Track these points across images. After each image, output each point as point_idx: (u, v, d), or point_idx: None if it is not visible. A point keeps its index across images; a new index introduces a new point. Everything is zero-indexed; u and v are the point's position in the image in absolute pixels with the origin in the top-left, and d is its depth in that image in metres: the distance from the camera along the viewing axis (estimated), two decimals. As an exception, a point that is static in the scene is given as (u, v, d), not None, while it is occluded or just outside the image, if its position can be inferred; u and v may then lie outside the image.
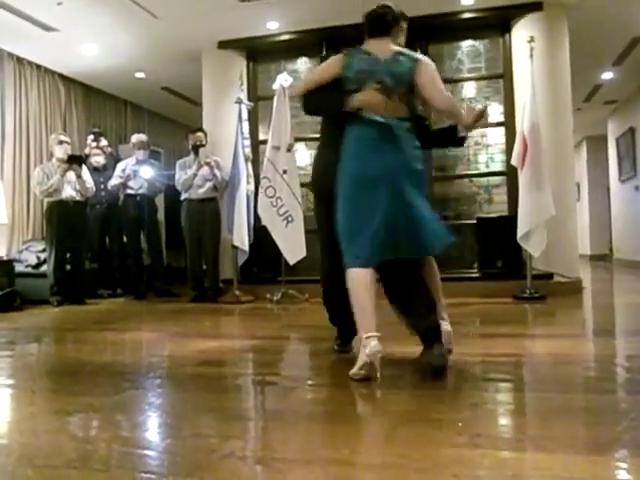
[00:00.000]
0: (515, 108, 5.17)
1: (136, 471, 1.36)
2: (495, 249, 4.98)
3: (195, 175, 5.33)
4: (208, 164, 5.31)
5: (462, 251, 5.35)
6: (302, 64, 5.88)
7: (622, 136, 8.90)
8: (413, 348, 2.81)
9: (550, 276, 4.96)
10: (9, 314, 4.68)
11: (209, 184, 5.36)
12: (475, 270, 5.16)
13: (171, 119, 8.76)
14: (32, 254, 5.68)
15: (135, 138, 5.94)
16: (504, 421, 1.77)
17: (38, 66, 6.33)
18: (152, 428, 1.77)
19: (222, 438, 1.57)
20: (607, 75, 7.21)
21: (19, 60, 6.10)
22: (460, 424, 1.63)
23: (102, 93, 7.40)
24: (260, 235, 5.15)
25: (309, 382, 2.23)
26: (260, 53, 5.96)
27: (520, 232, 4.55)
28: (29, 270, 5.53)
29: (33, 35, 5.49)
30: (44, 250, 5.55)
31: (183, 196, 5.43)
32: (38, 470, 1.36)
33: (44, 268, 5.44)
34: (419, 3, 4.95)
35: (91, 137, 6.29)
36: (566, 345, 2.84)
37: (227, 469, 1.36)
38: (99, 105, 7.38)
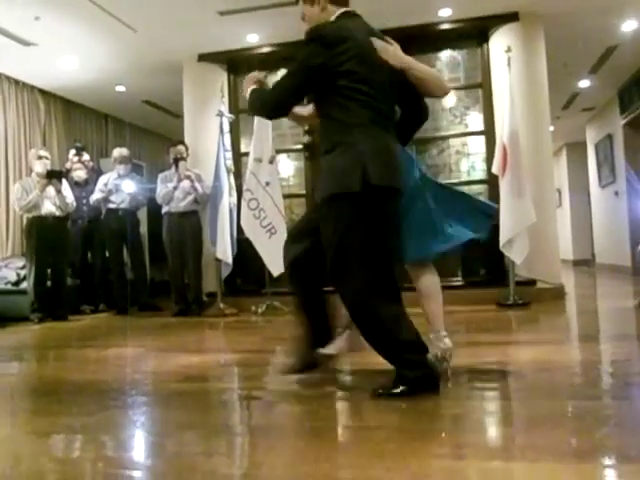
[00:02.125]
0: (494, 117, 5.24)
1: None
2: (478, 257, 5.01)
3: (175, 188, 5.31)
4: (188, 177, 5.29)
5: (445, 260, 5.37)
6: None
7: (600, 142, 9.07)
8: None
9: (533, 283, 5.00)
10: (-12, 332, 4.59)
11: (190, 197, 5.33)
12: (459, 278, 5.19)
13: (153, 132, 8.72)
14: (12, 271, 5.58)
15: (117, 152, 5.90)
16: (488, 430, 1.77)
17: (17, 81, 6.26)
18: (135, 447, 1.74)
19: (205, 455, 1.55)
20: (584, 83, 7.35)
21: (-3, 75, 6.04)
22: (443, 434, 1.63)
23: (82, 107, 7.34)
24: (243, 247, 5.13)
25: (293, 396, 2.20)
26: (240, 65, 5.96)
27: (502, 240, 4.59)
28: (9, 287, 5.42)
29: (11, 50, 5.43)
30: (24, 267, 5.46)
31: (164, 210, 5.40)
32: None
33: (24, 285, 5.35)
34: (397, 15, 5.00)
35: (73, 152, 6.25)
36: (550, 352, 2.85)
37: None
38: (79, 119, 7.31)
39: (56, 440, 1.77)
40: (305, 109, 2.37)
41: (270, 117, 2.39)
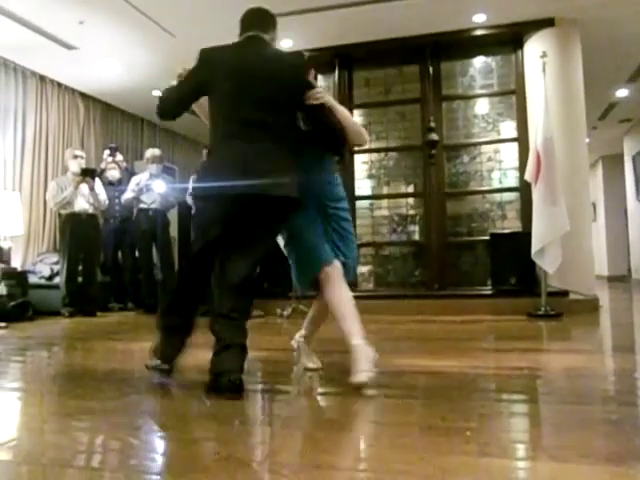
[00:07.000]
0: (528, 124, 5.13)
1: (132, 471, 1.34)
2: (509, 266, 4.89)
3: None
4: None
5: (475, 268, 5.28)
6: (315, 81, 5.90)
7: (639, 154, 8.80)
8: (424, 361, 2.76)
9: (565, 294, 4.85)
10: (21, 324, 4.73)
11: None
12: (488, 287, 5.08)
13: (186, 137, 8.87)
14: (46, 266, 5.72)
15: (149, 152, 6.01)
16: (516, 431, 1.70)
17: (59, 84, 6.46)
18: (151, 431, 1.75)
19: (221, 442, 1.53)
20: (622, 92, 7.13)
21: (41, 78, 6.24)
22: (469, 433, 1.57)
23: (119, 110, 7.52)
24: (270, 250, 5.12)
25: (315, 391, 2.18)
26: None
27: (534, 248, 4.48)
28: (42, 281, 5.56)
29: (55, 53, 5.62)
30: (57, 262, 5.60)
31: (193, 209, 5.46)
32: (41, 467, 1.37)
33: (57, 280, 5.49)
34: (430, 21, 4.98)
35: (107, 152, 6.39)
36: (583, 360, 2.76)
37: (223, 471, 1.31)
38: (116, 122, 7.50)
39: (78, 420, 1.81)
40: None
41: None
